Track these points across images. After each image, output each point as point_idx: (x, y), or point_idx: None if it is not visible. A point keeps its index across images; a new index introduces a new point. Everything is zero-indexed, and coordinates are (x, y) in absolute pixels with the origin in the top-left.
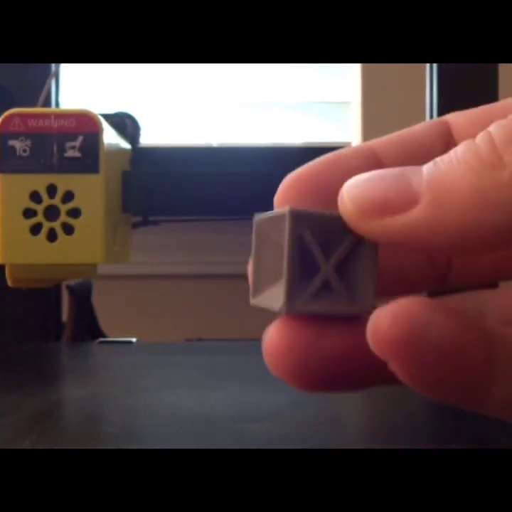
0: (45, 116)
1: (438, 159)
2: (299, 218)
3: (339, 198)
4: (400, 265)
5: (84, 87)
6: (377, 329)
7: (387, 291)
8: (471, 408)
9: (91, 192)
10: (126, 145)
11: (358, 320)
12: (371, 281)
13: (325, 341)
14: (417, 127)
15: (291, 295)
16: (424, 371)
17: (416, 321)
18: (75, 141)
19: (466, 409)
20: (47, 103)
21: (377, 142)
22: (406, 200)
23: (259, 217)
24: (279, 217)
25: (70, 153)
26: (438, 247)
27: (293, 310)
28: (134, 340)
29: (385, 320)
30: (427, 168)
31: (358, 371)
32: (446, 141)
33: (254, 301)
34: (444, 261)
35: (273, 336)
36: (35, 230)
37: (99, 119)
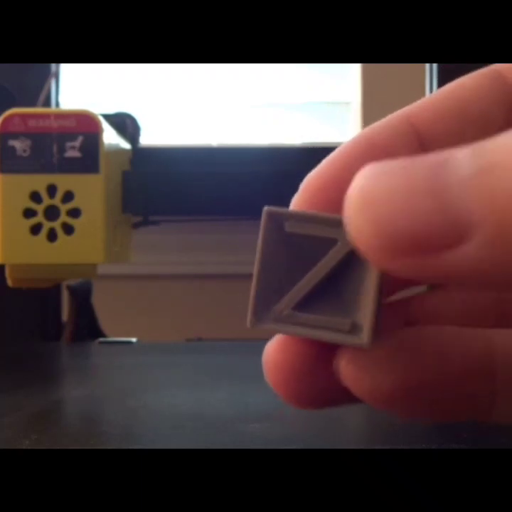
0: (45, 116)
1: (492, 173)
2: (276, 218)
3: (350, 219)
4: None
5: (84, 87)
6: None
7: None
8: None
9: (91, 192)
10: (126, 145)
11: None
12: (370, 307)
13: (322, 364)
14: (465, 87)
15: (256, 310)
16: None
17: None
18: (75, 141)
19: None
20: (47, 103)
21: (417, 113)
22: (454, 235)
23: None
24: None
25: (70, 153)
26: (497, 285)
27: (258, 327)
28: (134, 340)
29: None
30: (478, 189)
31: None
32: (510, 105)
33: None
34: None
35: (269, 358)
36: (35, 230)
37: (99, 119)
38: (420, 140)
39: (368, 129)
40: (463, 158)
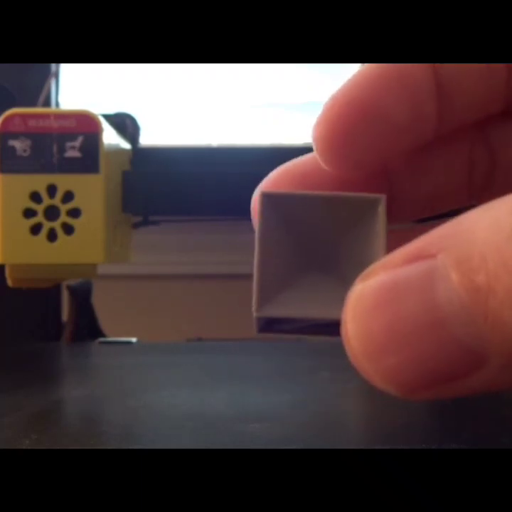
0: (45, 116)
1: (497, 305)
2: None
3: (356, 365)
4: (432, 184)
5: (84, 87)
6: None
7: (418, 212)
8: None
9: (91, 192)
10: (126, 145)
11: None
12: None
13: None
14: None
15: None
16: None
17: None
18: (75, 141)
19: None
20: (47, 103)
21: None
22: (466, 367)
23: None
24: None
25: (70, 153)
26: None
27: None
28: (134, 340)
29: None
30: (479, 322)
31: None
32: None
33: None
34: (483, 177)
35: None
36: (35, 230)
37: (99, 119)
38: (434, 68)
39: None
40: (451, 276)
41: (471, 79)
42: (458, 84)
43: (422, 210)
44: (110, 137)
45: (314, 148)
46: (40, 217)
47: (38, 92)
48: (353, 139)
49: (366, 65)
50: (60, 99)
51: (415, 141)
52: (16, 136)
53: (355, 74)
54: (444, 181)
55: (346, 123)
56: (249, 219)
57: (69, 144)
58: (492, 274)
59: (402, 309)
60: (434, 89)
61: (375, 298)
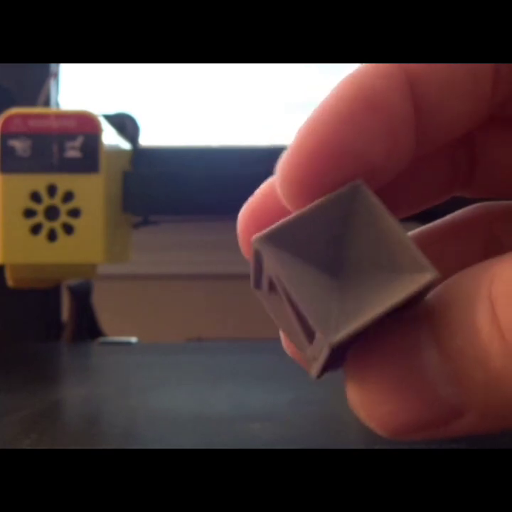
0: (46, 116)
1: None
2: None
3: (358, 415)
4: (416, 181)
5: (84, 87)
6: None
7: (405, 210)
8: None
9: (91, 192)
10: (126, 145)
11: None
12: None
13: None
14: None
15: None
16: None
17: None
18: (75, 142)
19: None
20: (47, 103)
21: (414, 67)
22: (447, 418)
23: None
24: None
25: (70, 154)
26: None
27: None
28: (134, 340)
29: None
30: (459, 381)
31: None
32: (495, 74)
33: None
34: (463, 175)
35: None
36: (36, 230)
37: (99, 120)
38: (413, 88)
39: (367, 78)
40: (433, 344)
41: (454, 96)
42: (439, 104)
43: (409, 207)
44: (110, 137)
45: (280, 191)
46: (40, 217)
47: (38, 92)
48: (322, 182)
49: (332, 95)
50: (60, 99)
51: (391, 174)
52: (16, 136)
53: (321, 107)
54: (429, 181)
55: (315, 166)
56: None
57: (69, 144)
58: (465, 341)
59: (394, 369)
60: (412, 115)
61: (371, 358)
